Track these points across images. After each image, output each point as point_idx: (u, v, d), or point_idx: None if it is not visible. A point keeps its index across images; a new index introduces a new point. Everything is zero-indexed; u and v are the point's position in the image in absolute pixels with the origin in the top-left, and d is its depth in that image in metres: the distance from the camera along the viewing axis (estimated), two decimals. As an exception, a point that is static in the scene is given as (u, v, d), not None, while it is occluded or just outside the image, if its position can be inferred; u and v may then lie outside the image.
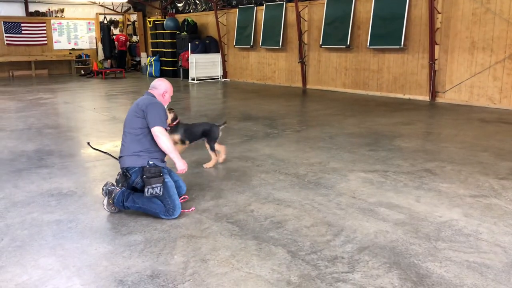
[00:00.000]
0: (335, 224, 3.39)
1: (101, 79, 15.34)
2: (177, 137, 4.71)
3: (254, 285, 2.56)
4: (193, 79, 14.11)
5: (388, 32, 10.15)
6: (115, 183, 3.66)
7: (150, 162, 3.49)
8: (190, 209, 3.65)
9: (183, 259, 2.86)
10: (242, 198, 3.95)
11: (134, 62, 18.72)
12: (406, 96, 10.09)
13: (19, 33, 15.94)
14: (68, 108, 9.12)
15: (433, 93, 9.53)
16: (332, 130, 6.84)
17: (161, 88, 3.76)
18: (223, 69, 15.06)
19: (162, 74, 15.82)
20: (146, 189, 3.37)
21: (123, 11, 18.89)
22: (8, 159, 5.20)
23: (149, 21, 16.39)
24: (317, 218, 3.51)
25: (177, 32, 15.29)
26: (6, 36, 15.72)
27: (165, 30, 15.50)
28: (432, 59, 9.36)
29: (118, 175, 3.67)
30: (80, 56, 17.30)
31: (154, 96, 3.70)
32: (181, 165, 3.61)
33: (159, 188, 3.38)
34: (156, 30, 15.92)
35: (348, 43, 11.16)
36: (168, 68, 15.65)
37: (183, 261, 2.82)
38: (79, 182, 4.34)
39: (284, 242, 3.09)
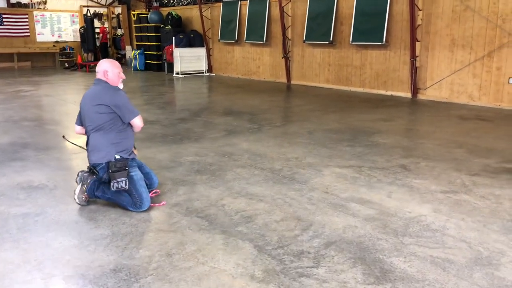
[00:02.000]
0: (305, 219, 3.40)
1: (85, 72, 15.16)
2: None
3: (216, 280, 2.55)
4: (177, 73, 14.01)
5: (370, 28, 10.17)
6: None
7: (117, 156, 3.46)
8: (161, 203, 3.62)
9: (148, 253, 2.84)
10: (215, 192, 3.94)
11: (119, 56, 18.52)
12: (388, 93, 10.15)
13: (1, 25, 15.64)
14: (49, 101, 9.00)
15: (415, 90, 9.59)
16: (312, 125, 6.86)
17: (100, 69, 3.61)
18: (208, 64, 14.98)
19: (147, 67, 15.69)
20: (111, 184, 3.37)
21: (107, 3, 18.66)
22: (-20, 151, 5.12)
23: (133, 14, 16.22)
24: (287, 212, 3.52)
25: (162, 26, 15.16)
26: (-13, 27, 15.45)
27: (149, 24, 15.36)
28: (413, 56, 9.42)
29: (81, 171, 3.65)
30: (64, 49, 17.06)
31: (102, 81, 3.60)
32: None
33: (124, 182, 3.36)
34: (141, 23, 15.77)
35: (331, 39, 11.16)
36: (152, 62, 15.52)
37: (148, 255, 2.81)
38: (51, 175, 4.28)
39: (252, 237, 3.08)
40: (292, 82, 12.57)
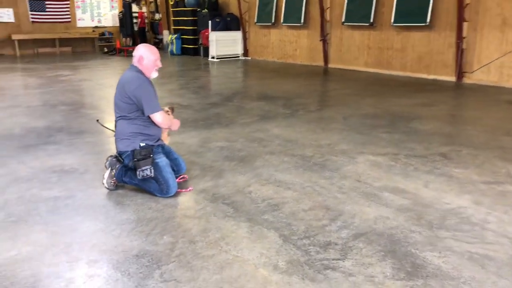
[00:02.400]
0: (334, 209, 3.26)
1: (123, 56, 15.41)
2: None
3: (239, 269, 2.48)
4: (213, 57, 13.98)
5: (413, 8, 9.69)
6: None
7: (142, 144, 3.44)
8: (188, 189, 3.59)
9: (171, 239, 2.81)
10: (242, 179, 3.86)
11: (157, 40, 18.70)
12: (431, 77, 9.68)
13: (44, 11, 16.12)
14: (86, 86, 9.19)
15: (460, 73, 9.09)
16: (348, 110, 6.63)
17: (136, 54, 3.50)
18: (244, 47, 14.85)
19: (183, 52, 15.76)
20: (137, 172, 3.37)
21: (146, -12, 18.85)
22: (19, 135, 5.26)
23: (171, -1, 16.28)
24: (316, 201, 3.40)
25: (198, 10, 15.12)
26: (31, 14, 15.93)
27: (186, 8, 15.35)
28: (459, 37, 8.90)
29: (110, 156, 3.66)
30: (103, 34, 17.41)
31: (136, 67, 3.51)
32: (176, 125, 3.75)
33: (148, 169, 3.34)
34: (178, 8, 15.80)
35: (371, 20, 10.75)
36: (189, 46, 15.56)
37: (171, 242, 2.77)
38: (83, 159, 4.34)
39: (278, 226, 2.99)
40: (330, 65, 12.26)
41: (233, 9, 15.07)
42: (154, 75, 3.58)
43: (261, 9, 14.00)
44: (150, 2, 18.96)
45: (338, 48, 12.07)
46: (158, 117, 3.46)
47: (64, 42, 16.61)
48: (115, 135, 3.57)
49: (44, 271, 2.46)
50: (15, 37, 15.58)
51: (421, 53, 9.90)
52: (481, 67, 8.78)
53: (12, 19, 15.67)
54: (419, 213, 3.20)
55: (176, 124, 3.75)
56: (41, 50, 16.16)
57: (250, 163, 4.27)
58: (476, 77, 8.91)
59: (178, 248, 2.71)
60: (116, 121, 3.55)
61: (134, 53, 3.56)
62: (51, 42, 16.34)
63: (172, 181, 3.40)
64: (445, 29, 9.32)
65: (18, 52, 15.72)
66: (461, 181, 3.78)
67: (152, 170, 3.35)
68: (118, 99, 3.46)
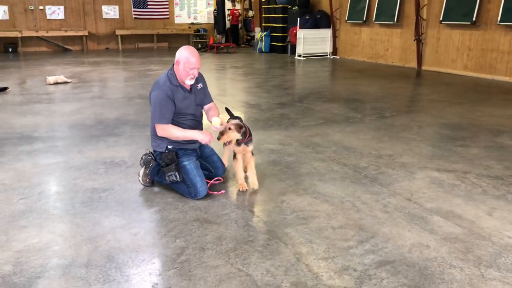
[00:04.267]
0: (368, 229, 2.93)
1: (214, 53, 15.88)
2: (251, 148, 3.60)
3: (237, 285, 2.32)
4: (299, 56, 13.76)
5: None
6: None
7: (169, 147, 3.41)
8: (220, 192, 3.49)
9: (183, 244, 2.73)
10: (279, 186, 3.67)
11: (249, 37, 18.97)
12: (541, 84, 8.48)
13: (145, 8, 17.22)
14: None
15: None
16: (427, 118, 6.04)
17: (176, 56, 3.33)
18: (333, 46, 14.40)
19: (272, 49, 15.76)
20: (165, 177, 3.36)
21: (241, -15, 19.20)
22: (89, 125, 5.62)
23: (263, -4, 16.37)
24: (350, 219, 3.09)
25: (289, 7, 14.99)
26: (134, 11, 17.12)
27: (277, 5, 15.32)
28: None
29: (145, 155, 3.69)
30: (198, 30, 18.10)
31: (169, 69, 3.41)
32: (203, 138, 3.38)
33: (173, 175, 3.30)
34: (269, 5, 15.83)
35: (474, 19, 9.72)
36: (277, 44, 15.52)
37: (182, 247, 2.70)
38: (135, 153, 4.47)
39: (297, 242, 2.76)
40: (423, 67, 11.37)
41: (324, 6, 14.69)
42: (188, 82, 3.35)
43: (352, 6, 13.45)
44: (245, 0, 19.29)
45: (434, 49, 11.13)
46: (157, 128, 3.34)
47: (162, 37, 17.61)
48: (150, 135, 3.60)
49: (54, 262, 2.53)
50: (118, 32, 16.88)
51: (529, 57, 8.71)
52: None
53: (117, 16, 16.98)
54: (469, 245, 2.74)
55: (192, 133, 3.41)
56: (141, 45, 17.32)
57: (295, 169, 4.05)
58: None
59: (186, 254, 2.62)
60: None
61: (176, 54, 3.42)
62: (150, 38, 17.42)
63: (200, 185, 3.33)
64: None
65: (120, 47, 17.02)
66: (536, 212, 3.18)
67: (178, 175, 3.31)
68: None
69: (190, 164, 3.37)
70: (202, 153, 3.68)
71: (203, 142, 3.42)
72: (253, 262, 2.54)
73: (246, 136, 3.45)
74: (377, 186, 3.68)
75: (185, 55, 3.30)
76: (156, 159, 3.53)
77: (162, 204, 3.32)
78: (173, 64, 3.42)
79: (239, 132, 3.37)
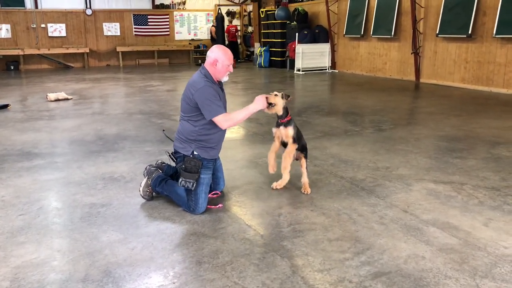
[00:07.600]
0: (364, 241, 2.95)
1: (214, 68, 15.98)
2: (291, 132, 3.74)
3: (232, 299, 2.33)
4: (298, 70, 13.88)
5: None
6: (157, 166, 3.73)
7: (195, 152, 3.41)
8: (217, 206, 3.52)
9: (180, 258, 2.75)
10: (276, 200, 3.69)
11: (248, 53, 19.15)
12: (538, 95, 8.53)
13: (146, 25, 17.44)
14: (169, 96, 9.66)
15: None
16: (424, 131, 6.08)
17: (211, 56, 3.42)
18: (331, 60, 14.53)
19: (271, 64, 15.90)
20: (180, 179, 3.32)
21: (240, 2, 19.42)
22: (89, 141, 5.67)
23: (262, 11, 16.56)
24: (347, 231, 3.10)
25: (287, 22, 15.17)
26: (134, 28, 17.33)
27: (276, 20, 15.51)
28: None
29: (149, 165, 3.72)
30: (198, 46, 18.28)
31: (205, 70, 3.46)
32: (259, 103, 3.49)
33: (191, 183, 3.29)
34: (268, 20, 16.02)
35: (469, 32, 9.83)
36: (276, 59, 15.66)
37: (178, 261, 2.71)
38: (134, 168, 4.51)
39: (293, 254, 2.78)
40: (421, 80, 11.46)
41: (322, 21, 14.86)
42: (224, 79, 3.54)
43: (350, 20, 13.61)
44: (244, 16, 19.52)
45: (431, 62, 11.24)
46: (219, 120, 3.37)
47: (162, 54, 17.79)
48: (176, 134, 3.61)
49: (51, 277, 2.55)
50: (119, 49, 17.06)
51: (526, 68, 8.79)
52: None
53: (118, 33, 17.19)
54: (464, 256, 2.75)
55: (247, 110, 3.50)
56: (141, 61, 17.48)
57: (292, 183, 4.07)
58: None
59: (183, 267, 2.64)
60: (179, 120, 3.60)
61: (208, 54, 3.48)
62: (151, 54, 17.60)
63: (202, 201, 3.35)
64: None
65: (121, 63, 17.18)
66: (532, 222, 3.19)
67: (194, 185, 3.31)
68: (183, 100, 3.51)
69: (204, 178, 3.39)
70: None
71: (263, 107, 3.51)
72: (249, 275, 2.55)
73: (287, 114, 3.67)
74: (374, 198, 3.70)
75: (221, 53, 3.44)
76: (177, 159, 3.53)
77: (159, 218, 3.34)
78: (202, 65, 3.52)
79: (284, 98, 3.61)
